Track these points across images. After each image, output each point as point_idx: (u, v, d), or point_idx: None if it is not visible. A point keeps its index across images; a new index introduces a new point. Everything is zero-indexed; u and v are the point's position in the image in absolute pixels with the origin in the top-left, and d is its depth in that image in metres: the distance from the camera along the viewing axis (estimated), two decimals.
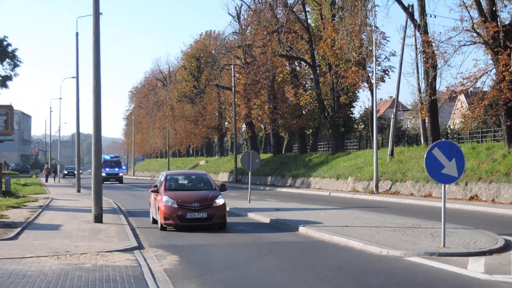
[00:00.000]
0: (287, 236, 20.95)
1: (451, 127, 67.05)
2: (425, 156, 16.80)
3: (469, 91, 38.75)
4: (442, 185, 17.14)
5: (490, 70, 35.36)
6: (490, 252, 16.12)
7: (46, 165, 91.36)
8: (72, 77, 59.55)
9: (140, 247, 17.91)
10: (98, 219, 23.96)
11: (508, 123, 34.99)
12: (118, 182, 77.59)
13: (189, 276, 13.75)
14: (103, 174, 70.21)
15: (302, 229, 21.70)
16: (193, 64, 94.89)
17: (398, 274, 13.70)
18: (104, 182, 62.92)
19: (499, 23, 34.90)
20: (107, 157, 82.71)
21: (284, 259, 16.21)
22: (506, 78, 33.52)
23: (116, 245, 17.85)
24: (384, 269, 14.35)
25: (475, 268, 14.22)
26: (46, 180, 77.68)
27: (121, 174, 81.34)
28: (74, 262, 14.76)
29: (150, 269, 14.18)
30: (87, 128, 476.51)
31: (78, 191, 49.12)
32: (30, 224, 23.30)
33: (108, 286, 12.10)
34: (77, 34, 48.05)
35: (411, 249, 16.42)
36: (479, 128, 48.85)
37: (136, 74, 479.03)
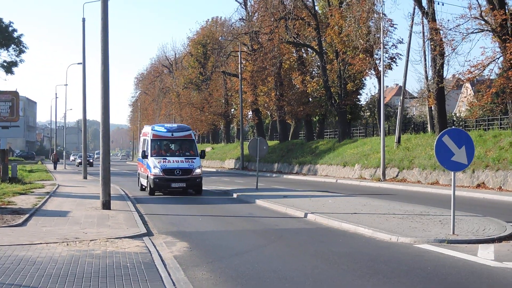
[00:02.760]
0: (296, 222, 20.98)
1: (457, 114, 66.92)
2: (435, 143, 16.79)
3: (475, 79, 38.68)
4: (452, 172, 17.12)
5: (498, 58, 35.32)
6: (499, 239, 16.15)
7: (55, 151, 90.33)
8: (78, 63, 59.65)
9: (149, 233, 17.94)
10: (106, 205, 23.98)
11: None
12: (191, 190, 33.56)
13: (199, 263, 13.77)
14: (156, 171, 32.04)
15: (310, 216, 21.71)
16: (199, 51, 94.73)
17: (408, 261, 13.70)
18: (156, 192, 32.84)
19: (507, 11, 34.82)
20: (162, 130, 34.58)
21: (293, 246, 16.23)
22: None
23: (125, 231, 17.87)
24: (394, 256, 14.35)
25: (485, 255, 14.23)
26: (54, 167, 76.17)
27: (198, 172, 32.94)
28: (84, 249, 14.78)
29: (160, 255, 14.19)
30: (93, 114, 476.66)
31: (85, 177, 49.13)
32: (38, 210, 23.33)
33: (119, 272, 12.11)
34: (83, 19, 47.97)
35: (420, 236, 16.42)
36: (485, 116, 48.74)
37: (142, 60, 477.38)
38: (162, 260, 13.60)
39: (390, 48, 52.48)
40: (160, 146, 33.94)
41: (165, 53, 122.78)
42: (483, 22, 35.40)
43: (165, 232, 18.47)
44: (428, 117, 48.41)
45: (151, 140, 33.65)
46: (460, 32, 36.35)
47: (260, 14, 65.93)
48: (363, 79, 60.12)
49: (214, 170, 73.82)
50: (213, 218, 22.45)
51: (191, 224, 20.66)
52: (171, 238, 17.26)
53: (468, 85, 56.86)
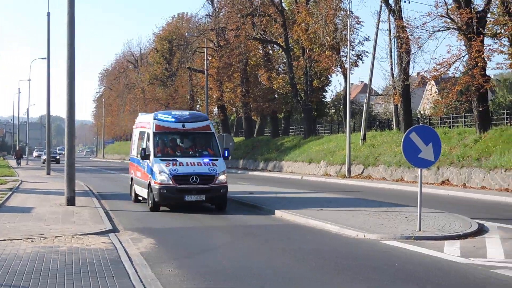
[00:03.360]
0: (263, 219, 20.93)
1: (422, 112, 67.41)
2: (402, 140, 16.87)
3: (440, 77, 38.99)
4: (419, 169, 17.21)
5: (463, 56, 35.57)
6: (465, 236, 16.27)
7: (19, 146, 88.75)
8: (42, 58, 58.97)
9: (114, 230, 17.74)
10: (71, 201, 23.71)
11: (480, 109, 35.24)
12: (210, 205, 23.86)
13: (166, 259, 13.65)
14: (163, 179, 22.44)
15: (278, 213, 21.68)
16: (165, 47, 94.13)
17: (376, 258, 13.72)
18: (162, 206, 23.31)
19: (472, 10, 35.09)
20: (169, 119, 24.48)
21: (261, 242, 16.20)
22: (479, 64, 33.75)
23: (91, 228, 17.67)
24: (361, 253, 14.38)
25: (451, 251, 14.34)
26: (18, 163, 74.66)
27: (223, 179, 23.12)
28: (49, 245, 14.57)
29: (126, 252, 14.04)
30: (56, 110, 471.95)
31: (48, 173, 48.63)
32: (1, 206, 23.06)
33: (85, 269, 11.94)
34: (48, 14, 47.30)
35: (387, 232, 16.47)
36: (450, 114, 49.18)
37: (107, 56, 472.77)
38: (129, 257, 13.44)
39: (356, 45, 52.87)
40: (166, 143, 24.52)
41: (131, 49, 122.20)
42: (449, 20, 35.64)
43: (131, 229, 18.30)
44: (393, 114, 48.74)
45: (154, 133, 23.94)
46: (427, 30, 36.57)
47: (227, 10, 65.82)
48: (329, 76, 60.47)
49: None
50: (179, 214, 22.25)
51: (157, 221, 20.49)
52: (137, 235, 17.11)
53: (433, 82, 57.30)
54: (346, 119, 44.61)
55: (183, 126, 24.26)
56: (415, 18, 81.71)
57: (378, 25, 43.96)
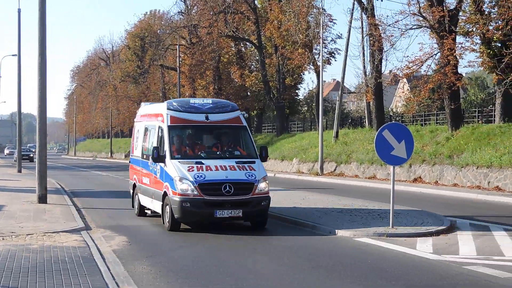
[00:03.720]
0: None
1: (394, 110, 67.79)
2: (375, 137, 16.93)
3: (412, 75, 39.17)
4: (391, 166, 17.30)
5: (435, 54, 35.76)
6: (437, 233, 16.36)
7: None
8: (13, 55, 58.24)
9: (87, 227, 17.62)
10: (42, 199, 23.48)
11: (452, 107, 35.46)
12: (244, 220, 17.97)
13: (139, 257, 13.58)
14: (185, 188, 16.67)
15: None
16: (137, 44, 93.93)
17: (349, 255, 13.76)
18: (184, 223, 17.59)
19: (444, 8, 35.29)
20: (188, 109, 18.47)
21: (233, 239, 16.13)
22: (451, 62, 33.93)
23: (62, 225, 17.52)
24: (335, 250, 14.41)
25: (424, 248, 14.41)
26: None
27: (263, 188, 17.18)
28: (21, 243, 14.43)
29: (99, 250, 13.96)
30: (27, 107, 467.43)
31: (19, 171, 48.14)
32: None
33: (57, 267, 11.83)
34: (19, 10, 46.78)
35: (360, 230, 16.52)
36: (422, 112, 49.49)
37: (78, 52, 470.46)
38: (101, 254, 13.36)
39: (329, 43, 53.19)
40: (183, 140, 18.69)
41: (102, 46, 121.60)
42: (421, 19, 35.78)
43: (103, 226, 18.18)
44: (365, 112, 48.93)
45: (169, 128, 18.13)
46: (399, 28, 36.70)
47: (199, 7, 65.70)
48: (301, 73, 60.70)
49: None
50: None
51: (129, 218, 20.36)
52: (109, 232, 16.99)
53: (405, 80, 57.66)
54: (318, 117, 44.70)
55: (207, 118, 18.40)
56: (387, 16, 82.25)
57: (350, 23, 44.17)
